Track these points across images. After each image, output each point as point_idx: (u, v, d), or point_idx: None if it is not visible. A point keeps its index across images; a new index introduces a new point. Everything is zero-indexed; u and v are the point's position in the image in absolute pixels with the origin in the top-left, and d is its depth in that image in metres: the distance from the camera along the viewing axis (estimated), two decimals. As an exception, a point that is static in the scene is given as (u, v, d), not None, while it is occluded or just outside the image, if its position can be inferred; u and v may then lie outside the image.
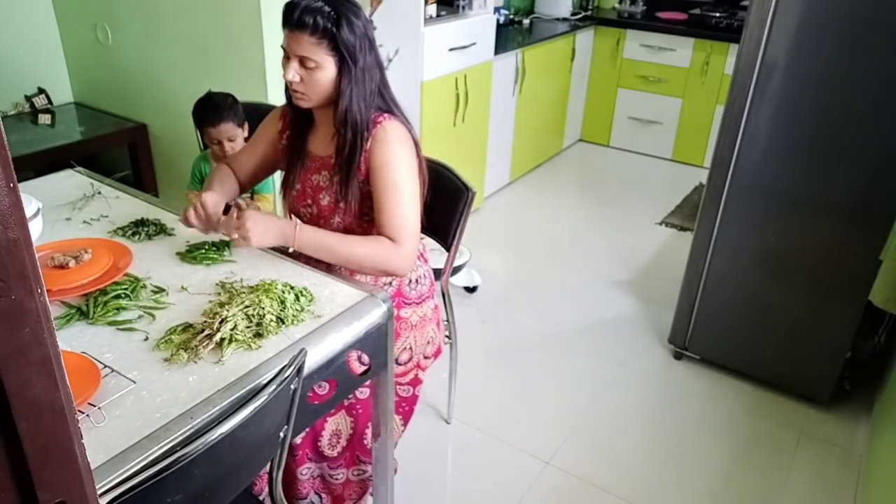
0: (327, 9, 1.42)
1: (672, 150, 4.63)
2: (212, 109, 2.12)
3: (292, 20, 1.43)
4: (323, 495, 1.75)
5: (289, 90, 1.55)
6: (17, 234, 0.47)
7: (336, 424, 1.65)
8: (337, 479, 1.72)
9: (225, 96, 2.16)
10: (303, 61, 1.46)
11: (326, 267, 1.60)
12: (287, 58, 1.48)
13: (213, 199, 1.55)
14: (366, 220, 1.61)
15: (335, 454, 1.67)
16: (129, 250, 1.52)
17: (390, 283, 1.69)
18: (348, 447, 1.68)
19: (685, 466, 2.18)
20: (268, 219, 1.52)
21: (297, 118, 1.65)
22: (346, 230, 1.60)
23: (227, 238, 1.62)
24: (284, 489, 1.68)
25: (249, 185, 1.83)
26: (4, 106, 3.12)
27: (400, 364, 1.75)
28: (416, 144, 1.60)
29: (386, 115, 1.56)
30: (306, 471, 1.68)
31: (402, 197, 1.54)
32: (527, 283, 3.16)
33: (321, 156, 1.63)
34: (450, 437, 2.28)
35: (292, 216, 1.73)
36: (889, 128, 2.00)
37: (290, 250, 1.58)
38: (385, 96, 1.57)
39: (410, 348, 1.75)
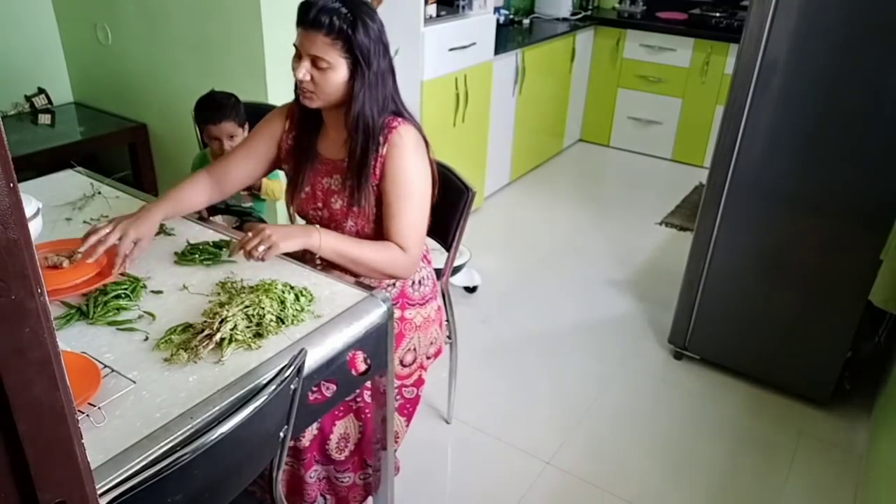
0: (344, 10, 1.41)
1: (672, 150, 4.63)
2: (214, 107, 2.13)
3: (308, 19, 1.42)
4: (328, 496, 1.75)
5: (298, 88, 1.54)
6: (17, 234, 0.47)
7: (345, 428, 1.64)
8: (343, 482, 1.71)
9: (228, 95, 2.17)
10: (315, 61, 1.45)
11: (325, 267, 1.61)
12: (299, 56, 1.47)
13: (136, 234, 1.47)
14: (380, 223, 1.61)
15: (343, 458, 1.66)
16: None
17: (394, 285, 1.69)
18: (356, 451, 1.67)
19: (685, 466, 2.18)
20: (286, 226, 1.52)
21: (306, 118, 1.63)
22: (359, 234, 1.61)
23: (227, 238, 1.62)
24: (292, 494, 1.68)
25: (238, 188, 1.76)
26: (4, 106, 3.12)
27: (404, 366, 1.74)
28: (428, 147, 1.61)
29: (400, 119, 1.56)
30: (314, 474, 1.68)
31: (414, 205, 1.55)
32: (527, 283, 3.16)
33: (332, 159, 1.62)
34: (450, 437, 2.28)
35: (297, 218, 1.73)
36: (889, 128, 2.00)
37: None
38: (397, 101, 1.57)
39: (414, 349, 1.75)
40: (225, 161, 1.72)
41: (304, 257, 1.62)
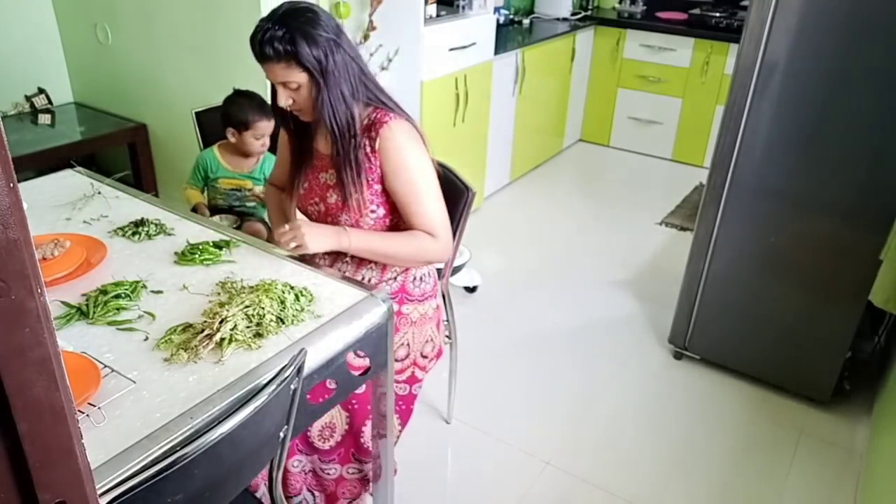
0: (280, 32, 1.45)
1: (672, 150, 4.63)
2: (264, 103, 2.18)
3: (257, 54, 1.49)
4: (316, 493, 1.75)
5: (291, 112, 1.61)
6: (17, 234, 0.47)
7: (329, 417, 1.65)
8: (329, 474, 1.72)
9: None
10: (286, 85, 1.52)
11: (331, 262, 1.67)
12: (274, 86, 1.54)
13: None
14: (371, 216, 1.62)
15: (327, 447, 1.67)
16: (103, 245, 1.54)
17: (395, 279, 1.71)
18: (343, 443, 1.68)
19: (685, 466, 2.18)
20: (319, 226, 1.59)
21: (297, 121, 1.67)
22: (354, 227, 1.64)
23: (227, 238, 1.63)
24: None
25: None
26: (4, 106, 3.12)
27: (397, 360, 1.75)
28: (423, 138, 1.64)
29: (390, 114, 1.58)
30: (297, 463, 1.68)
31: (426, 195, 1.60)
32: (527, 283, 3.16)
33: (327, 154, 1.64)
34: (450, 437, 2.28)
35: (299, 213, 1.76)
36: (889, 127, 2.00)
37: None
38: (368, 86, 1.59)
39: (408, 344, 1.75)
40: (275, 176, 1.89)
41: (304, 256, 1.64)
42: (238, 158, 2.27)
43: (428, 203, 1.60)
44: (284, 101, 1.53)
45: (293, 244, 1.52)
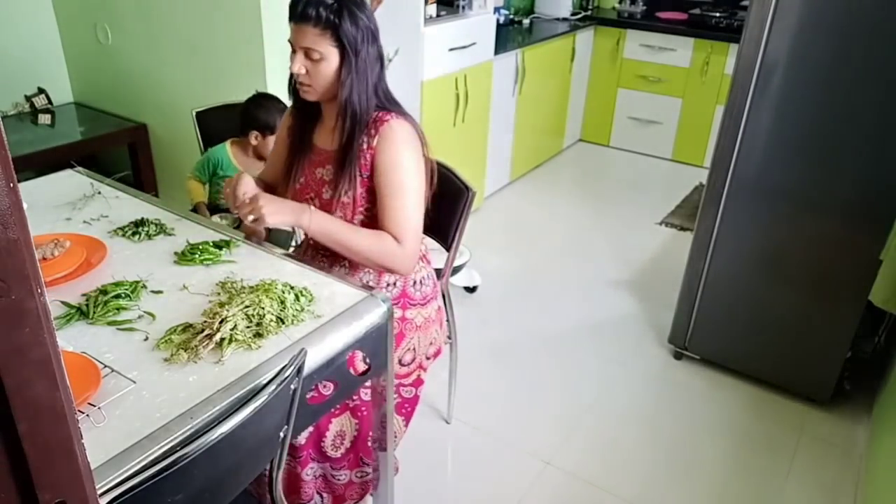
0: (330, 0, 1.46)
1: (672, 150, 4.63)
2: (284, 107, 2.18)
3: (297, 13, 1.47)
4: (324, 495, 1.76)
5: (296, 84, 1.58)
6: (17, 234, 0.47)
7: (340, 425, 1.65)
8: (340, 479, 1.72)
9: None
10: (308, 53, 1.50)
11: (329, 265, 1.63)
12: (294, 51, 1.52)
13: (250, 182, 1.59)
14: (364, 215, 1.62)
15: (339, 455, 1.67)
16: (103, 245, 1.54)
17: (394, 284, 1.69)
18: (352, 448, 1.68)
19: (685, 466, 2.18)
20: (280, 200, 1.56)
21: (304, 109, 1.67)
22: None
23: (227, 238, 1.63)
24: (289, 493, 1.68)
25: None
26: (4, 106, 3.13)
27: (403, 365, 1.75)
28: (423, 142, 1.62)
29: (393, 113, 1.57)
30: (310, 471, 1.68)
31: (407, 198, 1.56)
32: (527, 283, 3.16)
33: (326, 149, 1.64)
34: (450, 437, 2.28)
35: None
36: (889, 127, 2.00)
37: (291, 250, 1.58)
38: (379, 93, 1.59)
39: (414, 349, 1.75)
40: (267, 170, 1.85)
41: (306, 252, 1.63)
42: (251, 160, 2.27)
43: (404, 206, 1.55)
44: (298, 67, 1.50)
45: (251, 217, 1.48)
